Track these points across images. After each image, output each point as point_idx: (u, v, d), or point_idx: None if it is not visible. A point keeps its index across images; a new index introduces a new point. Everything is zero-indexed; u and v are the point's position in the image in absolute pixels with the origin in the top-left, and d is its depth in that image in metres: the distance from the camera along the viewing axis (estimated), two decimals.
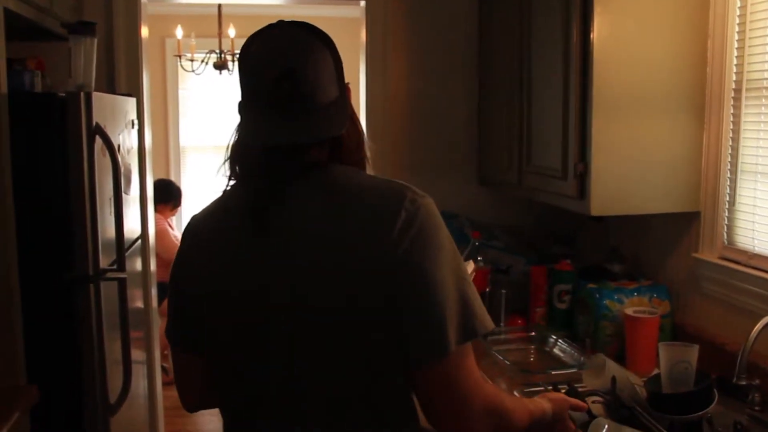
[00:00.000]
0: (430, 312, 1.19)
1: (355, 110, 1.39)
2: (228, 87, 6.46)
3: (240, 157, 1.33)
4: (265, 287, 1.25)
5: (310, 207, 1.25)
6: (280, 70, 1.25)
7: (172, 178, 6.31)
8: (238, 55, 1.33)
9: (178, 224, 6.40)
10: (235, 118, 1.35)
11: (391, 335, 1.20)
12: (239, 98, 1.33)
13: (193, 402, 1.48)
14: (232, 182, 1.36)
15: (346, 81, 1.35)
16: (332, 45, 1.32)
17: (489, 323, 1.24)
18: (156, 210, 4.16)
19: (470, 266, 1.86)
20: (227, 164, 1.35)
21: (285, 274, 1.23)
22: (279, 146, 1.27)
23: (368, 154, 1.38)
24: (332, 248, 1.21)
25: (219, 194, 1.39)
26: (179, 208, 5.58)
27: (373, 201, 1.23)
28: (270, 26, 1.33)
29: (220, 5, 5.25)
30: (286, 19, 1.34)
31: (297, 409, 1.26)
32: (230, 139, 1.35)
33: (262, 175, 1.29)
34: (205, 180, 6.84)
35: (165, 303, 5.48)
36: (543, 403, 1.46)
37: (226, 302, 1.29)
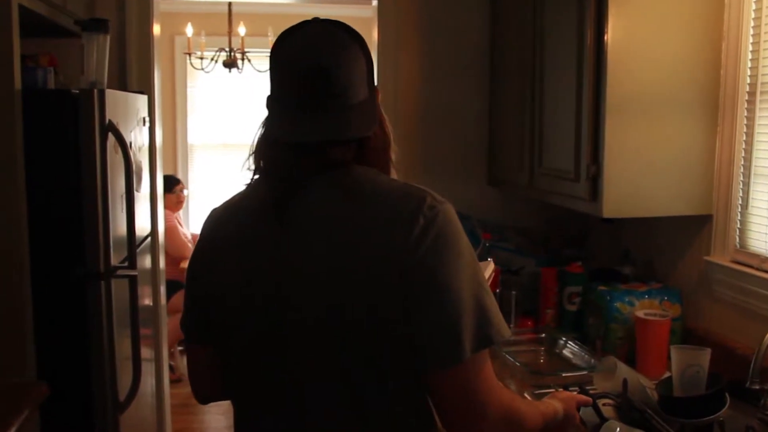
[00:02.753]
0: (445, 319, 1.17)
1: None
2: (237, 85, 6.50)
3: (264, 152, 1.33)
4: (279, 285, 1.24)
5: (327, 207, 1.24)
6: (312, 68, 1.24)
7: (180, 175, 6.32)
8: (270, 51, 1.33)
9: (186, 221, 6.42)
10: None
11: (406, 341, 1.19)
12: (269, 93, 1.33)
13: (204, 394, 1.48)
14: (255, 177, 1.36)
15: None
16: (364, 45, 1.32)
17: (506, 331, 1.23)
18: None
19: (489, 267, 1.83)
20: (251, 159, 1.35)
21: (300, 273, 1.22)
22: (305, 144, 1.27)
23: (393, 157, 1.37)
24: (347, 251, 1.20)
25: (242, 188, 1.38)
26: (184, 197, 5.54)
27: (391, 204, 1.22)
28: (304, 23, 1.31)
29: (230, 3, 5.26)
30: (321, 17, 1.33)
31: (308, 410, 1.25)
32: (256, 134, 1.35)
33: (283, 171, 1.28)
34: (212, 177, 6.86)
35: (173, 300, 5.50)
36: (554, 404, 1.47)
37: (242, 297, 1.29)
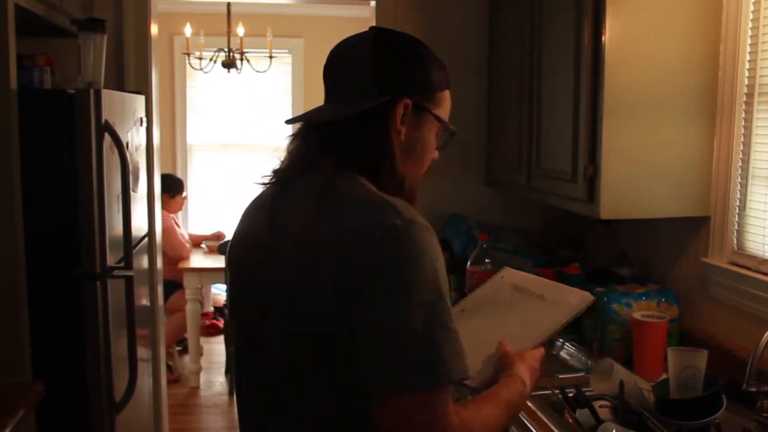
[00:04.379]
0: (383, 346, 1.12)
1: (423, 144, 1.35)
2: (236, 86, 6.49)
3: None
4: (263, 286, 1.28)
5: (301, 216, 1.24)
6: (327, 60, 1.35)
7: (179, 175, 6.32)
8: None
9: (184, 222, 6.41)
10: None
11: (351, 359, 1.15)
12: None
13: None
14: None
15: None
16: (383, 51, 1.31)
17: (460, 373, 1.14)
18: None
19: (581, 298, 1.64)
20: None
21: (276, 276, 1.25)
22: (300, 140, 1.33)
23: (408, 187, 1.33)
24: (309, 265, 1.19)
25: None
26: (184, 201, 5.54)
27: (355, 219, 1.18)
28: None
29: (229, 4, 5.26)
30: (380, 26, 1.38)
31: (268, 413, 1.30)
32: None
33: (278, 168, 1.33)
34: (211, 178, 6.86)
35: (170, 300, 5.50)
36: (515, 379, 1.38)
37: (239, 295, 1.35)
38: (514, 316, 1.62)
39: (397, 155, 1.29)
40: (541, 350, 1.50)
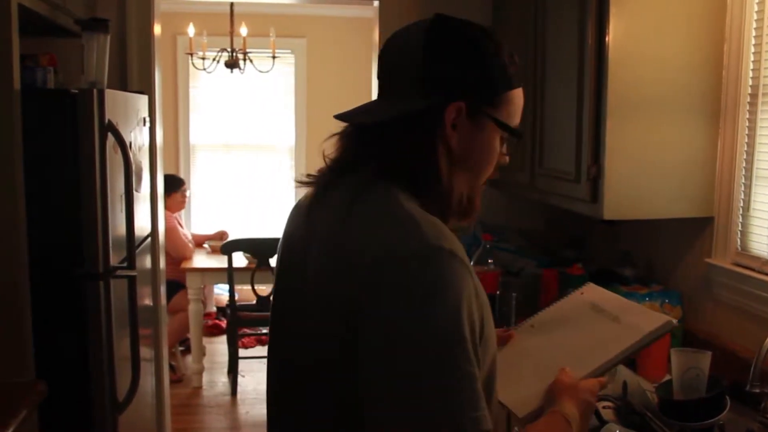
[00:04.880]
0: (382, 392, 1.00)
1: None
2: (239, 86, 6.50)
3: None
4: (291, 288, 1.21)
5: (329, 222, 1.15)
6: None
7: (182, 175, 6.32)
8: None
9: (187, 222, 6.41)
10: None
11: (351, 387, 1.04)
12: None
13: None
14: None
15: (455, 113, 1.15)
16: (436, 44, 1.16)
17: (473, 424, 0.98)
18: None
19: (661, 320, 1.46)
20: None
21: (300, 280, 1.17)
22: (346, 140, 1.22)
23: (459, 199, 1.19)
24: (325, 272, 1.11)
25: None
26: (184, 199, 5.51)
27: (375, 236, 1.06)
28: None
29: (232, 4, 5.26)
30: (444, 14, 1.21)
31: (281, 418, 1.26)
32: None
33: (320, 170, 1.24)
34: (214, 178, 6.86)
35: (173, 300, 5.50)
36: (558, 424, 1.22)
37: (276, 296, 1.29)
38: (581, 337, 1.48)
39: (443, 165, 1.14)
40: (601, 381, 1.33)
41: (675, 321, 1.44)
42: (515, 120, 1.23)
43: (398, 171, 1.13)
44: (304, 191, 1.28)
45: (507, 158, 1.27)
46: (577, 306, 1.57)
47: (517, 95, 1.21)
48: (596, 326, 1.48)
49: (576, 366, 1.35)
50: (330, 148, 1.23)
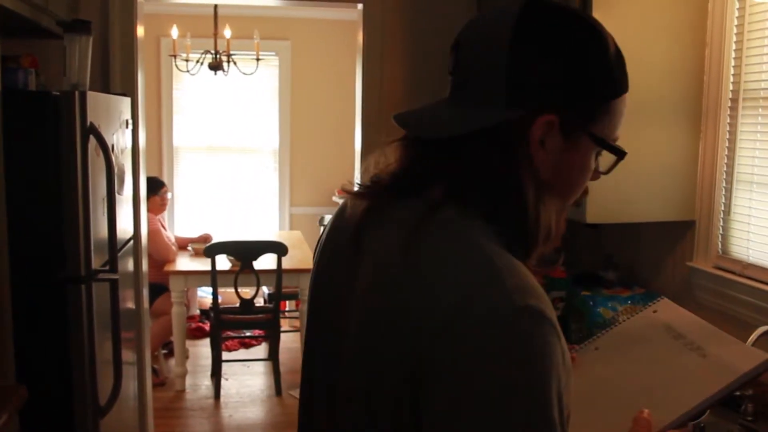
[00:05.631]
0: None
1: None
2: (223, 88, 6.48)
3: None
4: (338, 309, 1.02)
5: (388, 243, 0.95)
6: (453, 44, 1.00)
7: (165, 178, 6.29)
8: None
9: (170, 224, 6.38)
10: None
11: None
12: None
13: None
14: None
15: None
16: (525, 42, 0.92)
17: None
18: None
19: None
20: None
21: (349, 303, 0.99)
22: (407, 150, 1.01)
23: (547, 230, 0.96)
24: (380, 318, 0.91)
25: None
26: (164, 201, 5.47)
27: (444, 280, 0.85)
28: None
29: (216, 6, 5.25)
30: None
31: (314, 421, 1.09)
32: None
33: (375, 181, 1.03)
34: (198, 180, 6.84)
35: (156, 303, 5.45)
36: None
37: (312, 310, 1.11)
38: (659, 370, 1.24)
39: (529, 190, 0.92)
40: (686, 431, 1.15)
41: None
42: (616, 132, 1.03)
43: (473, 197, 0.93)
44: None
45: (597, 174, 1.06)
46: (649, 326, 1.35)
47: (622, 102, 1.01)
48: (676, 358, 1.24)
49: (656, 409, 1.10)
50: (379, 156, 1.05)
